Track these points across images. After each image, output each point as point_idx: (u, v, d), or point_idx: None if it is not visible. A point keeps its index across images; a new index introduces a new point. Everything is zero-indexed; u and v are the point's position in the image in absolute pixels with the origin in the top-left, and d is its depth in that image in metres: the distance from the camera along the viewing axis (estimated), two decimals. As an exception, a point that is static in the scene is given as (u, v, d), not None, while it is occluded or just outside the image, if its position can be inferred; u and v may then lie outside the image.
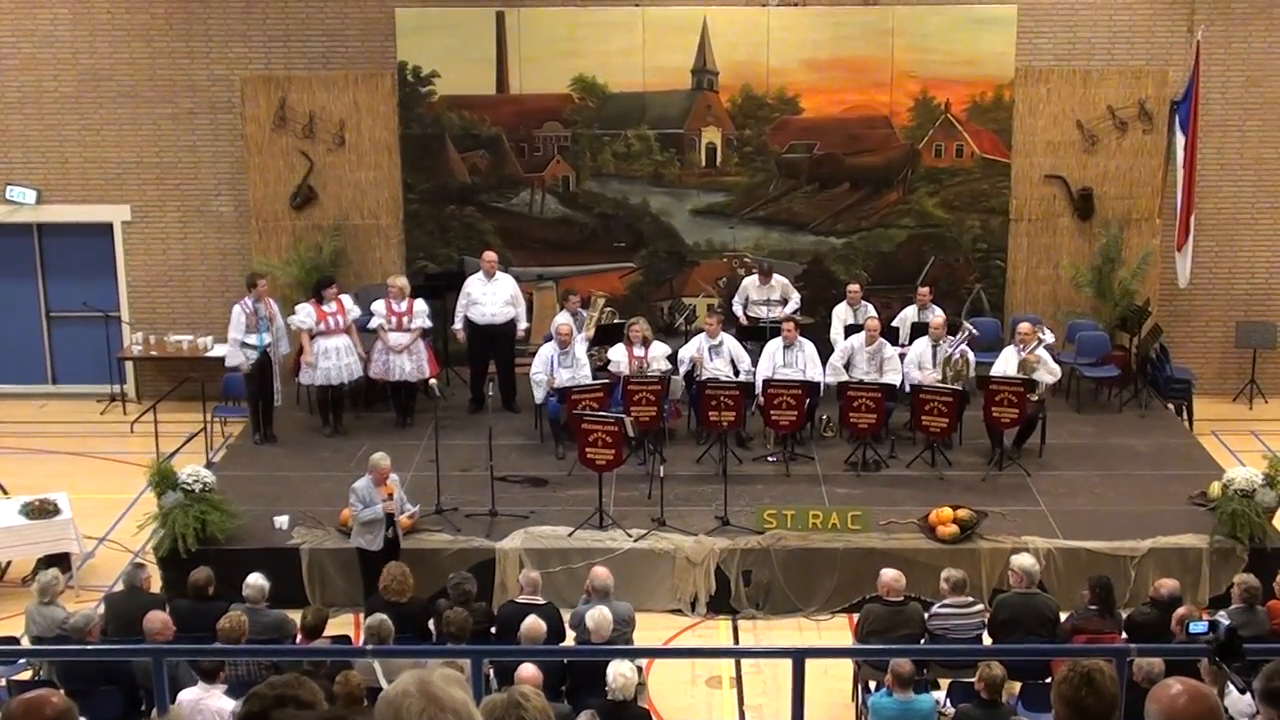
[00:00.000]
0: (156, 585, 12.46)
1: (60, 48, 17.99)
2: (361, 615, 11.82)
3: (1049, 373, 15.19)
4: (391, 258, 18.10)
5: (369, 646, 10.14)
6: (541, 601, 11.24)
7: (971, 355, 15.34)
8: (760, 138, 17.89)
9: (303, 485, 14.67)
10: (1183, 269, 17.55)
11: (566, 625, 11.21)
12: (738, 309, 17.13)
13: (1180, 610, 10.47)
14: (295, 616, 11.15)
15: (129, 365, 18.55)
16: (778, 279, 17.15)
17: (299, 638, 10.88)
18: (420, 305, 16.18)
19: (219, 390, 16.77)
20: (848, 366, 15.68)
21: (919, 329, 16.22)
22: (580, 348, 15.67)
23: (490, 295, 16.52)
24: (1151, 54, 17.86)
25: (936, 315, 16.19)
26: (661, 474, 13.65)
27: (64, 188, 18.31)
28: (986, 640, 11.14)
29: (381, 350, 16.02)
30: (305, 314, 15.86)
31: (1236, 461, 15.30)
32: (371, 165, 18.01)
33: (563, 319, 16.04)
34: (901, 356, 15.75)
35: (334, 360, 15.80)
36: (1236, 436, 16.97)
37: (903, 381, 15.51)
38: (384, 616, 10.41)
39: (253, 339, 15.68)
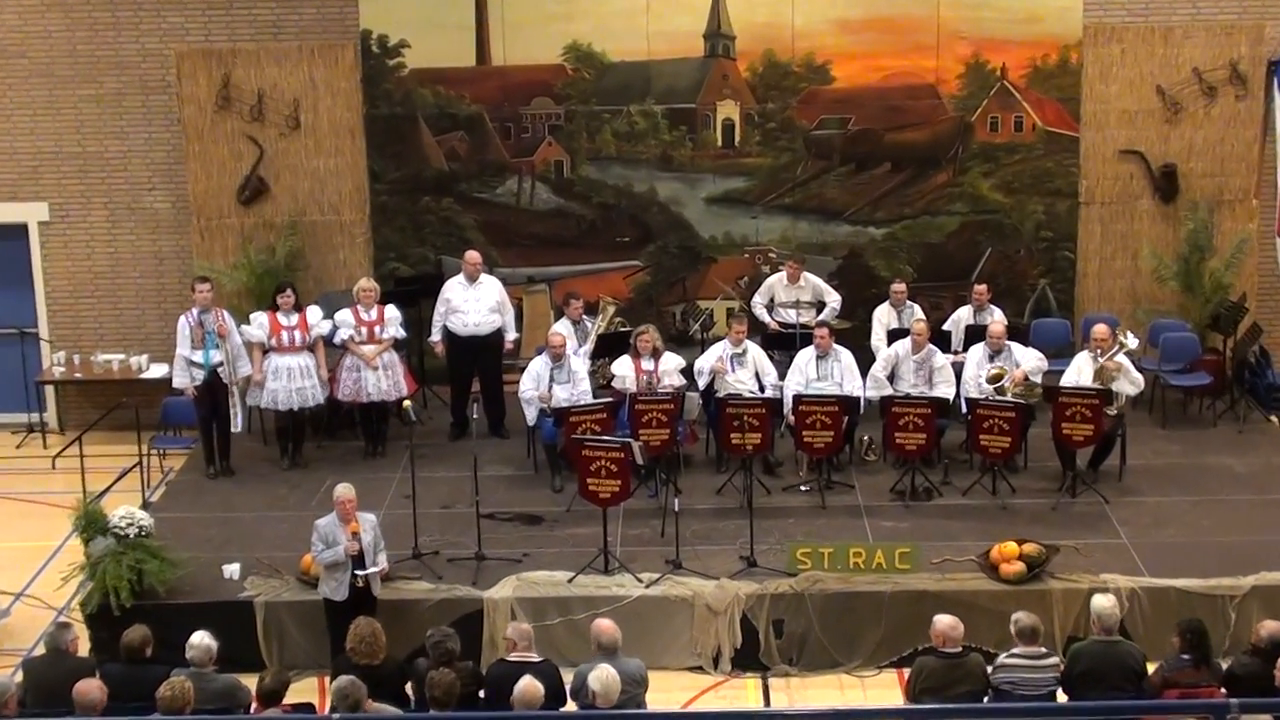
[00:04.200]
0: (84, 648, 12.42)
1: (-38, 21, 18.06)
2: (327, 679, 11.80)
3: (1131, 383, 15.16)
4: (357, 259, 18.10)
5: (337, 715, 10.11)
6: (537, 659, 11.21)
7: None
8: (785, 112, 17.88)
9: (256, 527, 14.67)
10: (1285, 257, 17.58)
11: (567, 687, 11.19)
12: (760, 310, 17.12)
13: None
14: (249, 682, 11.12)
15: (49, 390, 18.55)
16: (808, 278, 17.13)
17: (254, 706, 10.86)
18: (392, 312, 16.20)
19: (157, 418, 16.76)
20: (891, 378, 15.65)
21: (975, 333, 16.20)
22: (579, 361, 15.66)
23: (473, 302, 16.52)
24: (1244, 6, 17.84)
25: (996, 318, 16.17)
26: (676, 508, 13.62)
27: (-30, 184, 18.39)
28: (1061, 697, 11.11)
29: (350, 367, 16.01)
30: (258, 325, 15.89)
31: (1352, 483, 15.29)
32: (332, 151, 18.02)
33: (559, 327, 16.04)
34: (956, 367, 15.72)
35: (284, 381, 15.77)
36: (1352, 453, 16.93)
37: (957, 395, 15.49)
38: (353, 678, 10.38)
39: (199, 356, 15.67)
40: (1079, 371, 15.21)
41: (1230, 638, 12.74)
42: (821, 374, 15.55)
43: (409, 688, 11.19)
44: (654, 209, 18.16)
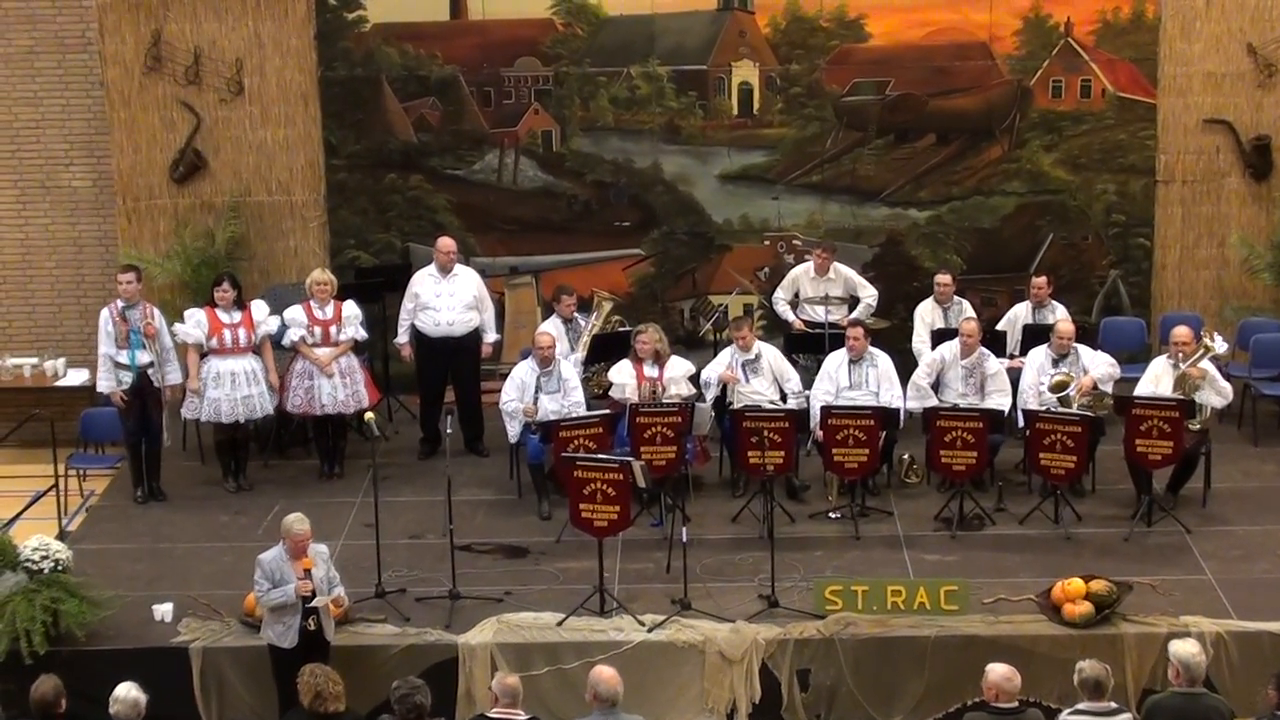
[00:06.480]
0: (-10, 702, 12.48)
1: None
2: (275, 738, 11.85)
3: (1217, 393, 15.17)
4: (310, 247, 18.13)
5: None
6: (523, 716, 11.26)
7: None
8: (812, 75, 17.92)
9: (192, 561, 14.70)
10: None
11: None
12: (783, 307, 17.15)
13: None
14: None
15: (-50, 400, 18.62)
16: (839, 269, 17.16)
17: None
18: (351, 309, 16.22)
19: (75, 432, 16.76)
20: (936, 387, 15.70)
21: (1034, 334, 16.23)
22: (570, 367, 15.69)
23: (446, 297, 16.56)
24: (1352, -51, 17.92)
25: (1060, 316, 16.20)
26: (684, 539, 13.66)
27: None
28: (1135, 760, 11.16)
29: (302, 374, 16.01)
30: (194, 323, 15.81)
31: None
32: (281, 121, 18.05)
33: (547, 327, 16.07)
34: (1012, 373, 15.74)
35: (227, 389, 15.74)
36: None
37: (1013, 407, 15.53)
38: (306, 738, 10.43)
39: (124, 356, 15.66)
40: (1156, 379, 15.22)
41: (1333, 691, 12.79)
42: (855, 382, 15.57)
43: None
44: (658, 188, 18.19)
